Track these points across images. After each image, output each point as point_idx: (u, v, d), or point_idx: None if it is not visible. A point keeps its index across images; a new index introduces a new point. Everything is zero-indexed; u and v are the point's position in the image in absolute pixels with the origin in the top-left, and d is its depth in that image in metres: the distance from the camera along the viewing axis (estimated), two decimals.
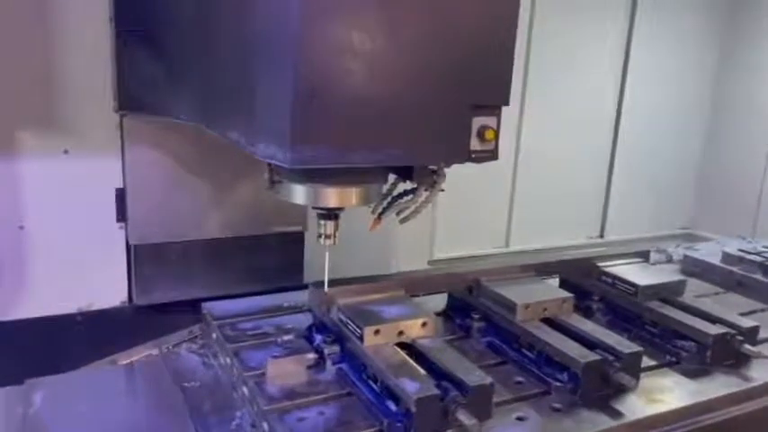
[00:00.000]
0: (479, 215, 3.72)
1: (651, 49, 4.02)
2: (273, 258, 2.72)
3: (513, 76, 1.73)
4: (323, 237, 1.94)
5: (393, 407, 1.67)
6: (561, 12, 3.66)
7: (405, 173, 1.94)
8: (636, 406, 1.83)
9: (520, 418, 1.74)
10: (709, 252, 3.09)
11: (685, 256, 3.05)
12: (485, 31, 1.65)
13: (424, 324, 1.88)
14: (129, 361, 2.05)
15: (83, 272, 2.41)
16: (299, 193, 1.82)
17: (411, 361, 1.76)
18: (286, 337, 1.95)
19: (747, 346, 2.08)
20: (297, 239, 2.74)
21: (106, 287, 2.47)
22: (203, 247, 2.59)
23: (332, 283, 2.00)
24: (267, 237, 2.68)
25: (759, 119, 4.12)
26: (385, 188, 2.00)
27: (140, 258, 2.49)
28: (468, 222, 3.66)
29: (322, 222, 1.93)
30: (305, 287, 2.17)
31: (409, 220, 2.06)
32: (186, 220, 2.51)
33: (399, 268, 3.14)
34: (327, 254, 1.97)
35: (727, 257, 2.92)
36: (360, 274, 2.18)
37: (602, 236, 4.25)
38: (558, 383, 1.88)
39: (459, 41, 1.62)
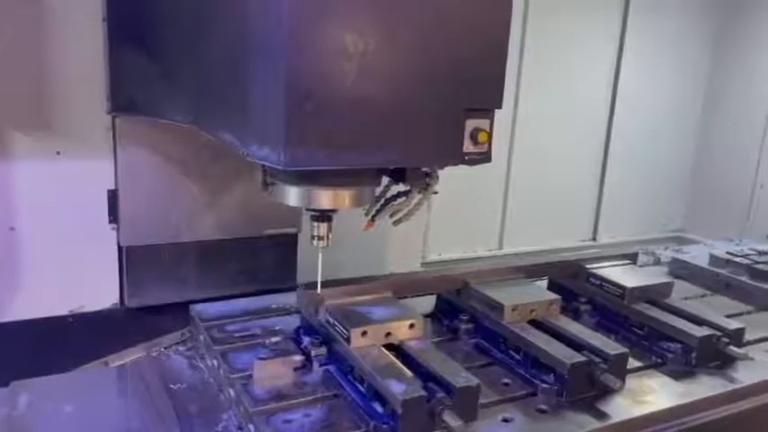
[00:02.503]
0: (473, 217, 3.70)
1: (644, 50, 4.01)
2: (267, 260, 2.70)
3: (507, 78, 1.73)
4: (316, 238, 1.92)
5: (379, 408, 1.65)
6: (555, 12, 3.65)
7: (398, 175, 1.92)
8: (622, 407, 1.81)
9: (506, 420, 1.72)
10: (696, 254, 3.07)
11: (673, 259, 3.04)
12: (478, 34, 1.65)
13: (411, 326, 1.86)
14: (120, 363, 2.03)
15: (74, 273, 2.39)
16: (292, 195, 1.80)
17: (398, 362, 1.74)
18: (274, 339, 1.92)
19: (733, 348, 2.07)
20: (290, 241, 2.72)
21: (98, 289, 2.45)
22: (196, 248, 2.56)
23: (325, 284, 1.98)
24: (260, 238, 2.66)
25: (751, 120, 4.11)
26: (378, 190, 1.98)
27: (132, 260, 2.46)
28: (462, 224, 3.64)
29: (315, 224, 1.91)
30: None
31: (402, 223, 2.05)
32: (179, 221, 2.49)
33: (393, 270, 3.12)
34: (320, 255, 1.95)
35: (714, 260, 2.91)
36: (353, 276, 2.17)
37: (594, 238, 4.23)
38: (544, 385, 1.86)
39: (452, 44, 1.61)
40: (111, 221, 2.41)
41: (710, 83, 4.33)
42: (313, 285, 1.99)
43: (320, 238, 1.91)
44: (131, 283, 2.47)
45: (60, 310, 2.39)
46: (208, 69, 1.84)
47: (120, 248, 2.45)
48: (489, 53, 1.68)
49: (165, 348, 2.07)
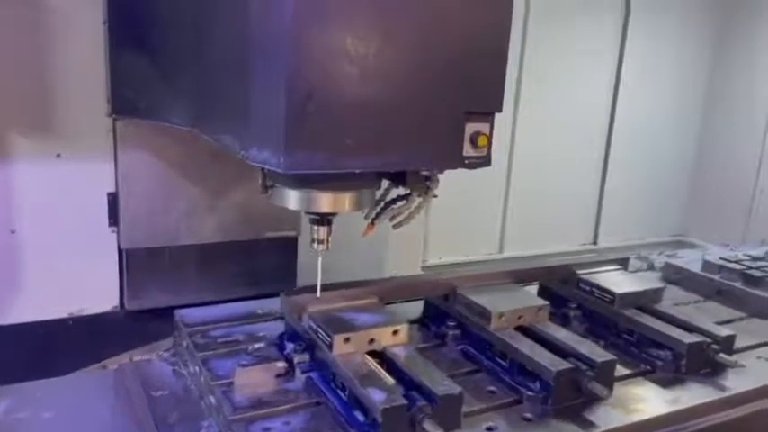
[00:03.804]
0: (474, 221, 3.61)
1: (644, 53, 3.90)
2: (266, 263, 2.62)
3: (507, 81, 1.67)
4: (315, 242, 1.84)
5: (360, 417, 1.57)
6: (555, 16, 3.55)
7: (398, 178, 1.87)
8: (608, 415, 1.71)
9: (489, 429, 1.63)
10: (690, 260, 2.95)
11: (666, 264, 2.91)
12: (478, 37, 1.59)
13: (395, 332, 1.77)
14: (113, 367, 1.94)
15: (74, 276, 2.32)
16: (291, 199, 1.73)
17: (380, 370, 1.65)
18: (257, 346, 1.84)
19: (723, 355, 1.96)
20: (290, 244, 2.64)
21: (98, 292, 2.38)
22: (196, 251, 2.49)
23: (324, 288, 1.90)
24: (260, 242, 2.58)
25: (752, 122, 3.99)
26: (378, 194, 1.92)
27: (132, 263, 2.39)
28: (463, 228, 3.55)
29: (315, 228, 1.83)
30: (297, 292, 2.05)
31: (402, 226, 1.98)
32: (179, 224, 2.41)
33: (393, 273, 3.03)
34: (320, 259, 1.87)
35: (707, 265, 2.78)
36: (353, 279, 2.09)
37: (595, 242, 4.12)
38: (530, 393, 1.76)
39: (452, 48, 1.56)
40: (111, 224, 2.34)
41: (711, 85, 4.21)
42: (309, 289, 1.91)
43: (320, 241, 1.84)
44: (131, 285, 2.41)
45: (60, 312, 2.32)
46: (208, 72, 1.78)
47: (120, 251, 2.38)
48: (489, 56, 1.63)
49: (161, 352, 1.98)
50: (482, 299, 2.02)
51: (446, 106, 1.59)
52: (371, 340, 1.73)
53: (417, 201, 1.90)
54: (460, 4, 1.56)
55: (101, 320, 2.37)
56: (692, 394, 1.86)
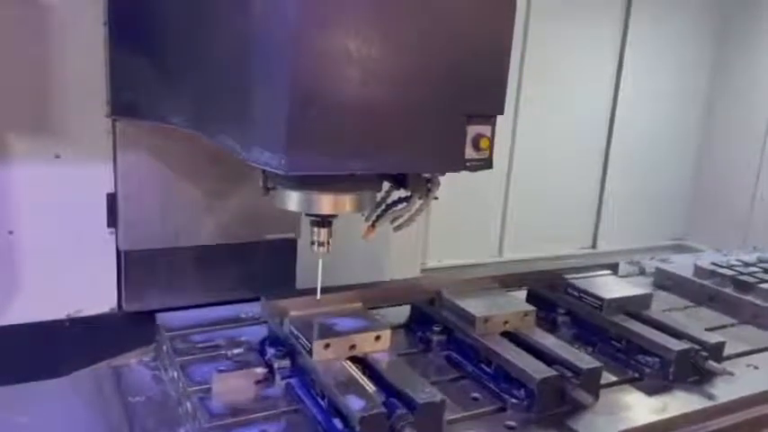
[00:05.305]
0: (474, 224, 3.51)
1: (645, 56, 3.79)
2: (266, 265, 2.52)
3: (508, 84, 1.60)
4: (316, 244, 1.75)
5: (339, 425, 1.47)
6: (556, 17, 3.45)
7: (399, 180, 1.80)
8: (593, 423, 1.60)
9: None
10: (681, 265, 2.81)
11: (657, 269, 2.78)
12: (480, 40, 1.53)
13: (377, 338, 1.67)
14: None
15: (72, 277, 2.23)
16: (292, 200, 1.64)
17: (361, 377, 1.56)
18: (237, 351, 1.74)
19: (711, 363, 1.85)
20: (290, 246, 2.53)
21: (96, 293, 2.29)
22: (195, 253, 2.39)
23: (323, 290, 1.81)
24: (259, 243, 2.48)
25: (752, 125, 3.87)
26: (379, 196, 1.83)
27: (130, 264, 2.30)
28: (463, 231, 3.46)
29: (315, 229, 1.74)
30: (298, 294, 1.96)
31: (403, 228, 1.90)
32: (178, 226, 2.32)
33: (393, 276, 2.92)
34: (321, 261, 1.78)
35: (698, 271, 2.65)
36: (352, 282, 2.00)
37: (594, 246, 3.99)
38: (514, 400, 1.66)
39: (454, 50, 1.49)
40: (109, 225, 2.25)
41: (711, 86, 4.08)
42: (312, 292, 1.82)
43: (320, 243, 1.74)
44: (130, 287, 2.31)
45: (58, 314, 2.23)
46: (209, 73, 1.70)
47: (118, 252, 2.29)
48: (491, 59, 1.56)
49: (144, 357, 1.88)
50: (468, 304, 1.92)
51: (448, 108, 1.53)
52: (353, 346, 1.64)
53: (418, 203, 1.83)
54: (462, 7, 1.49)
55: (99, 322, 2.28)
56: (680, 402, 1.75)
